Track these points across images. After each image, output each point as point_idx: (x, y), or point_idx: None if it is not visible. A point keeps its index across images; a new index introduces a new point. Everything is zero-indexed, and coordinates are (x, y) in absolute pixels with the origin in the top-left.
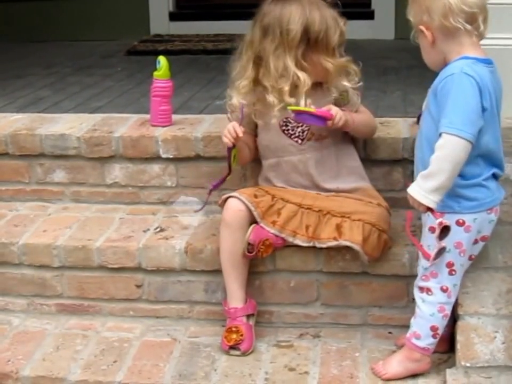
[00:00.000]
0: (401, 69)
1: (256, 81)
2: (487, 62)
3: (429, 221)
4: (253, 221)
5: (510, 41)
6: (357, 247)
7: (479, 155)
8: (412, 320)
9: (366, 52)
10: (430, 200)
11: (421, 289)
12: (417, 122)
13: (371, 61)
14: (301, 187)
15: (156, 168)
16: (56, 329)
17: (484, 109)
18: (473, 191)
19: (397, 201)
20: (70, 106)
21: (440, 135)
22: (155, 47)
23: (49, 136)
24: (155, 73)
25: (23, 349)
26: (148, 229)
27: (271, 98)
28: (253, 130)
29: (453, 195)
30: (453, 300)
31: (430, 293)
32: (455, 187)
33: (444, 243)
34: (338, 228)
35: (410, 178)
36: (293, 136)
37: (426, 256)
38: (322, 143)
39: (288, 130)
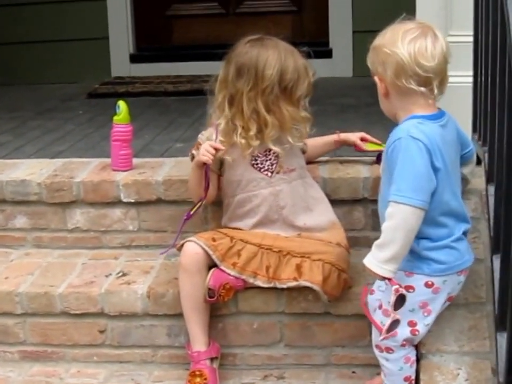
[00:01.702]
0: (360, 107)
1: (229, 120)
2: (437, 117)
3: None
4: (211, 264)
5: (463, 79)
6: (316, 287)
7: (443, 214)
8: (383, 378)
9: (325, 90)
10: (385, 270)
11: (379, 348)
12: (376, 161)
13: (330, 99)
14: (269, 222)
15: (117, 212)
16: (20, 377)
17: (437, 169)
18: (442, 253)
19: (358, 240)
20: (31, 151)
21: (389, 202)
22: (116, 90)
23: (10, 183)
24: (115, 117)
25: None
26: (110, 274)
27: (239, 139)
28: (218, 169)
29: (422, 257)
30: (414, 345)
31: (391, 351)
32: (423, 250)
33: (398, 315)
34: (298, 268)
35: (371, 217)
36: (262, 170)
37: (379, 330)
38: (290, 175)
39: (257, 164)
